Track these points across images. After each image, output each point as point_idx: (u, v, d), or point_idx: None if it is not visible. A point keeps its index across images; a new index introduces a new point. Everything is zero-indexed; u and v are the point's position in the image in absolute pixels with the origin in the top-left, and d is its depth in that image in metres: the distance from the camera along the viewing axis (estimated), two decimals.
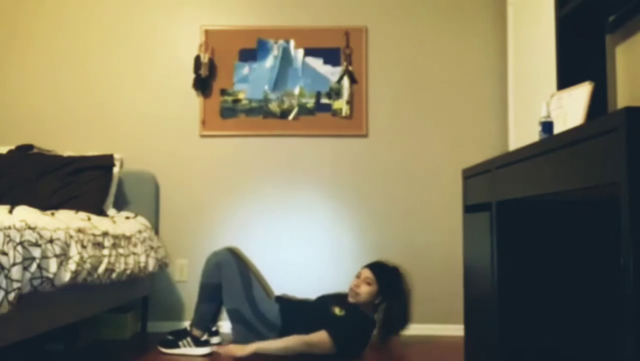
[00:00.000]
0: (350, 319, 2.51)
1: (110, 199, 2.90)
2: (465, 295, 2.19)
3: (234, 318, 2.56)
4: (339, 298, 2.64)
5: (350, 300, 2.59)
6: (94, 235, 2.08)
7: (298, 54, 3.23)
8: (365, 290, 2.57)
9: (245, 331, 2.53)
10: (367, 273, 2.60)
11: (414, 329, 2.93)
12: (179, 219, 3.19)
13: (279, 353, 2.41)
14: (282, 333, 2.49)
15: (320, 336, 2.42)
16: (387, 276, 2.62)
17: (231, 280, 2.56)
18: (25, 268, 1.58)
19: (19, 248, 1.55)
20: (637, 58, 1.99)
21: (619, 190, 1.05)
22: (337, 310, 2.54)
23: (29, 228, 1.63)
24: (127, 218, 2.76)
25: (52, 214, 1.98)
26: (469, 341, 2.17)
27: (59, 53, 3.28)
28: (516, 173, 1.62)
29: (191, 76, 3.19)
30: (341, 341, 2.42)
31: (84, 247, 1.94)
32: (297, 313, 2.57)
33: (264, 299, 2.57)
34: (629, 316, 1.02)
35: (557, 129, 1.74)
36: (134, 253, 2.49)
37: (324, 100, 3.20)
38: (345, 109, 3.16)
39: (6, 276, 1.47)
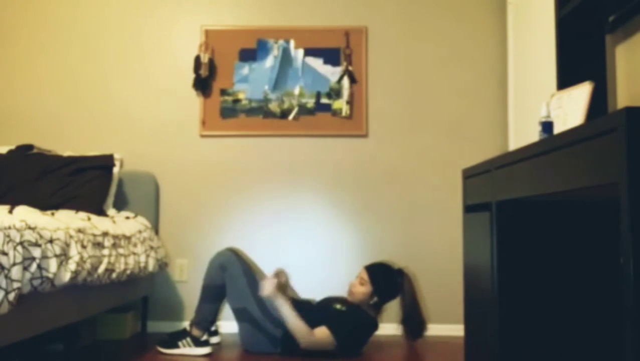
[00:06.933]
0: (350, 315, 2.55)
1: (110, 199, 2.89)
2: (465, 295, 2.19)
3: (241, 317, 2.57)
4: (341, 299, 2.69)
5: (348, 298, 2.64)
6: (94, 235, 2.08)
7: (298, 54, 3.23)
8: (359, 290, 2.61)
9: (252, 328, 2.54)
10: (362, 274, 2.64)
11: None
12: (179, 219, 3.19)
13: (287, 323, 2.46)
14: (287, 332, 2.50)
15: (322, 333, 2.46)
16: (382, 278, 2.62)
17: (236, 280, 2.57)
18: (25, 268, 1.58)
19: (19, 248, 1.55)
20: (637, 58, 1.99)
21: (619, 190, 1.05)
22: (338, 306, 2.59)
23: (29, 228, 1.63)
24: (127, 218, 2.76)
25: (52, 214, 1.98)
26: (469, 341, 2.17)
27: (59, 53, 3.28)
28: (516, 173, 1.62)
29: (191, 76, 3.19)
30: (341, 334, 2.46)
31: (84, 247, 1.94)
32: (301, 313, 2.57)
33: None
34: (629, 316, 1.02)
35: (557, 129, 1.74)
36: (134, 253, 2.49)
37: (324, 100, 3.20)
38: (345, 109, 3.16)
39: (6, 276, 1.47)
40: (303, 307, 2.63)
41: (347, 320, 2.53)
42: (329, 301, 2.67)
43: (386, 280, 2.63)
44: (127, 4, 3.30)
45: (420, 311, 2.65)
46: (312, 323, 2.49)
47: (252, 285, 2.58)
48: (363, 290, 2.60)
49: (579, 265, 1.76)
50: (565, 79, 2.06)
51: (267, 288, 2.48)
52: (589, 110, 1.69)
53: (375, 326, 2.61)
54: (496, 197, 1.80)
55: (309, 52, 3.23)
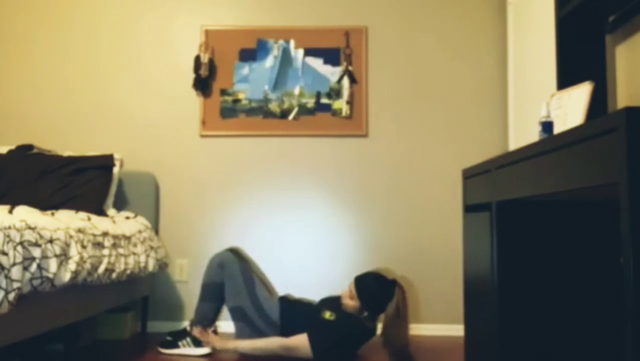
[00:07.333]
0: (337, 325, 2.46)
1: (110, 199, 2.90)
2: (465, 295, 2.19)
3: (236, 316, 2.57)
4: (336, 303, 2.59)
5: (343, 308, 2.55)
6: (94, 235, 2.08)
7: (298, 54, 3.23)
8: (348, 303, 2.51)
9: (247, 328, 2.54)
10: (352, 286, 2.53)
11: (414, 329, 2.94)
12: (179, 219, 3.19)
13: (257, 353, 2.44)
14: (281, 332, 2.50)
15: (300, 341, 2.39)
16: (369, 293, 2.48)
17: (234, 279, 2.57)
18: (25, 268, 1.58)
19: (19, 248, 1.55)
20: (637, 58, 1.99)
21: (619, 190, 1.05)
22: (327, 314, 2.50)
23: (29, 228, 1.63)
24: (127, 218, 2.76)
25: (52, 214, 1.98)
26: (469, 341, 2.17)
27: (59, 53, 3.28)
28: (516, 173, 1.62)
29: (191, 76, 3.19)
30: (319, 347, 2.38)
31: (84, 247, 1.94)
32: (296, 315, 2.57)
33: (266, 297, 2.58)
34: (629, 316, 1.02)
35: (557, 129, 1.74)
36: (134, 253, 2.49)
37: (324, 100, 3.20)
38: (345, 109, 3.16)
39: (6, 276, 1.47)
40: (299, 309, 2.61)
41: (331, 332, 2.43)
42: (322, 305, 2.59)
43: (375, 296, 2.47)
44: (127, 4, 3.30)
45: (404, 331, 2.42)
46: (299, 328, 2.45)
47: (249, 284, 2.57)
48: (352, 303, 2.50)
49: (579, 265, 1.76)
50: (565, 79, 2.06)
51: (216, 346, 2.51)
52: (589, 110, 1.69)
53: (369, 335, 2.50)
54: (496, 197, 1.80)
55: (309, 52, 3.23)
